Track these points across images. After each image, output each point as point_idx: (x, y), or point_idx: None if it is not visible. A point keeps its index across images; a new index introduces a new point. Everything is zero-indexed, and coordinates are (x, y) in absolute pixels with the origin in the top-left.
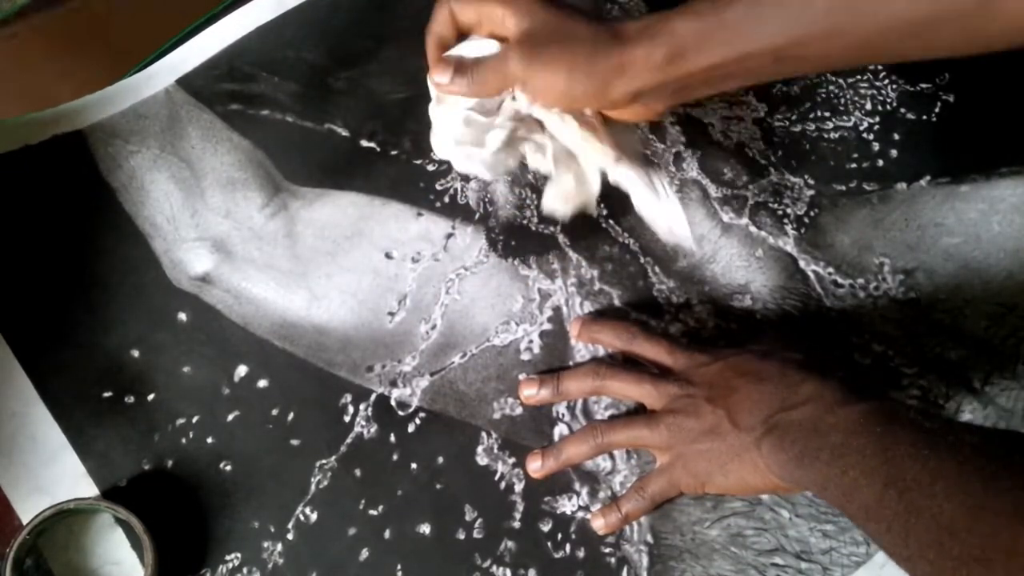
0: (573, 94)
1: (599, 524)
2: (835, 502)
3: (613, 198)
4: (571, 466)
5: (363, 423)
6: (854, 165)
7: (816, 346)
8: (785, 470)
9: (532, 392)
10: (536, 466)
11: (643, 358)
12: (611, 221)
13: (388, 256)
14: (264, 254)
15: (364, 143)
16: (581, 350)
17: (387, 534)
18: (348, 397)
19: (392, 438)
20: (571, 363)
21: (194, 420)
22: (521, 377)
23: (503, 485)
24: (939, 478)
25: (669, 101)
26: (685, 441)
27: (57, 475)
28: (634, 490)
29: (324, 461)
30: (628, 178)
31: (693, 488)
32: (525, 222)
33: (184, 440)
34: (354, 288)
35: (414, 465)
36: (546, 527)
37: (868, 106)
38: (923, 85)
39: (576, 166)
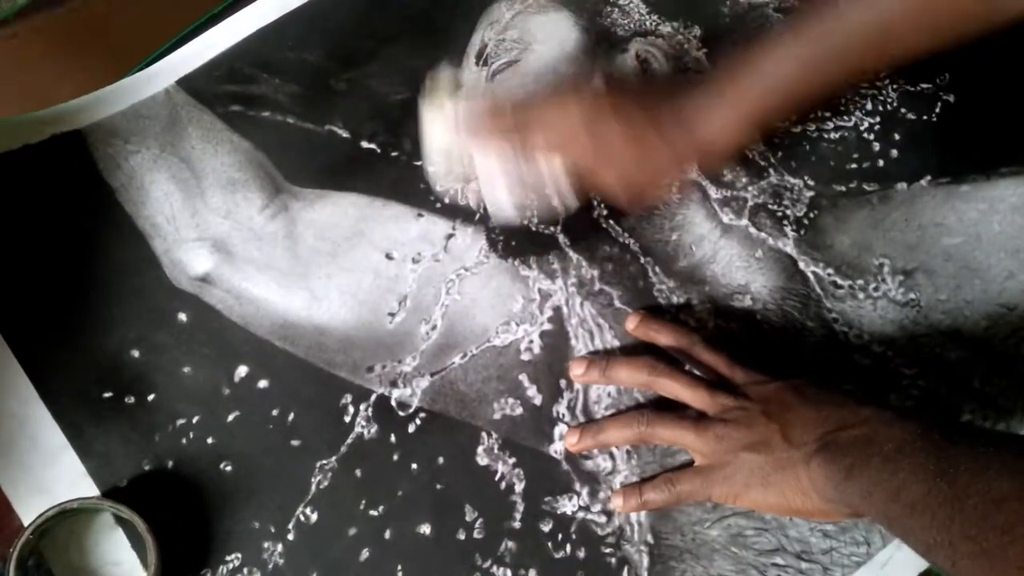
0: None
1: (618, 503)
2: (878, 508)
3: None
4: (607, 447)
5: (363, 423)
6: (854, 165)
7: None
8: (830, 484)
9: (580, 372)
10: (573, 441)
11: (699, 363)
12: (611, 221)
13: (388, 257)
14: (264, 255)
15: (365, 144)
16: (581, 350)
17: (387, 534)
18: (348, 397)
19: (392, 438)
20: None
21: (194, 420)
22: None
23: (503, 485)
24: (994, 462)
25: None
26: (731, 450)
27: (57, 476)
28: (663, 480)
29: (324, 461)
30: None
31: (724, 498)
32: (525, 222)
33: (184, 440)
34: (354, 289)
35: (414, 465)
36: (546, 527)
37: (868, 106)
38: (923, 85)
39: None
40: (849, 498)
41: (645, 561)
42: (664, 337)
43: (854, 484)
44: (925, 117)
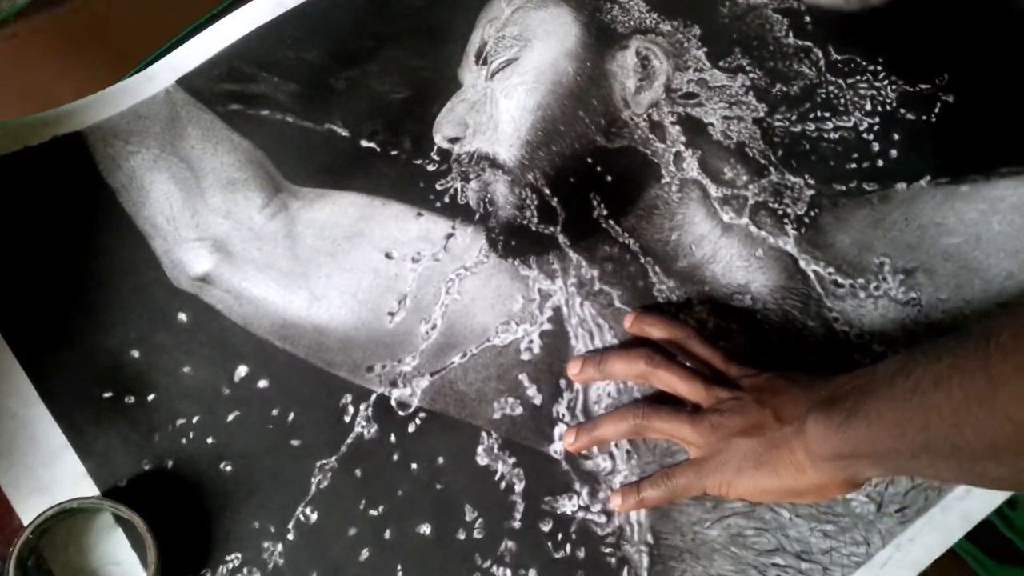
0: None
1: (616, 502)
2: (886, 431)
3: (613, 197)
4: (605, 442)
5: (363, 423)
6: (854, 165)
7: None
8: (829, 433)
9: (576, 370)
10: (571, 440)
11: (694, 358)
12: (611, 221)
13: (388, 256)
14: (264, 254)
15: (364, 143)
16: (581, 350)
17: (387, 534)
18: (348, 397)
19: (392, 438)
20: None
21: (194, 420)
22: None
23: (503, 485)
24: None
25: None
26: (725, 437)
27: (57, 475)
28: (660, 476)
29: (324, 461)
30: None
31: (718, 488)
32: (525, 222)
33: (184, 440)
34: (354, 288)
35: (414, 465)
36: (546, 527)
37: (868, 106)
38: (923, 85)
39: None
40: (851, 440)
41: (645, 561)
42: (659, 331)
43: (858, 418)
44: (924, 117)
